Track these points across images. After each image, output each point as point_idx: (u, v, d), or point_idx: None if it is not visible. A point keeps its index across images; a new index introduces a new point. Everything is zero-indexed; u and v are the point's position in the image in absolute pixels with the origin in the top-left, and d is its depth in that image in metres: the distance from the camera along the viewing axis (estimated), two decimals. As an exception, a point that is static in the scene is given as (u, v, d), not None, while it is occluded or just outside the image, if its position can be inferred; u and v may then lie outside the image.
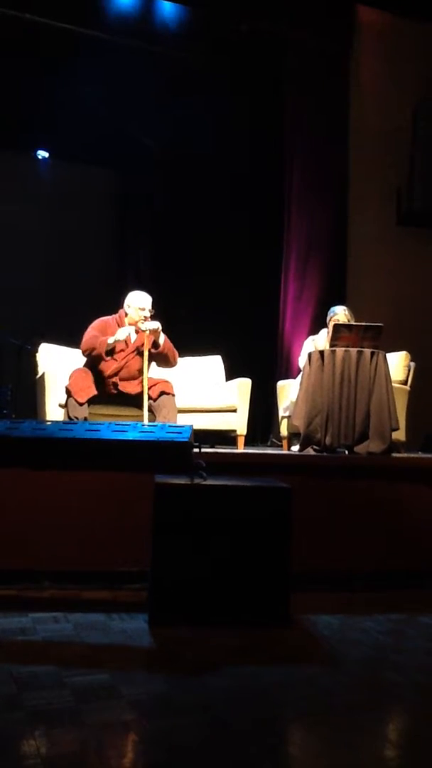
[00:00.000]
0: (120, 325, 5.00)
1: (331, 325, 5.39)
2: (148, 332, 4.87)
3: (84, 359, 4.98)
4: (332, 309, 5.62)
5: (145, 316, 4.94)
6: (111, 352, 4.83)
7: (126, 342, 4.90)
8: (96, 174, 8.27)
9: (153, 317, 4.95)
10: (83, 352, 4.91)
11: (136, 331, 4.94)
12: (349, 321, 5.38)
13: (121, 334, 4.85)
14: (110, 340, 4.82)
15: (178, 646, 2.83)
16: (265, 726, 2.11)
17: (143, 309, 4.97)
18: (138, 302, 5.01)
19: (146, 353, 4.87)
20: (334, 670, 2.64)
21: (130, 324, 4.98)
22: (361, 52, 7.51)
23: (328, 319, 5.57)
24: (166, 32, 6.88)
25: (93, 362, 4.87)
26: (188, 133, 7.30)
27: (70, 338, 5.01)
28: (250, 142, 7.39)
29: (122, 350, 4.92)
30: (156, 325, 4.90)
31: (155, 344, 4.93)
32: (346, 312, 5.52)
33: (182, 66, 7.02)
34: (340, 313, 5.49)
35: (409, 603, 3.75)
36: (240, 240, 7.35)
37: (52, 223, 7.96)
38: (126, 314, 5.04)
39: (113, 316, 5.09)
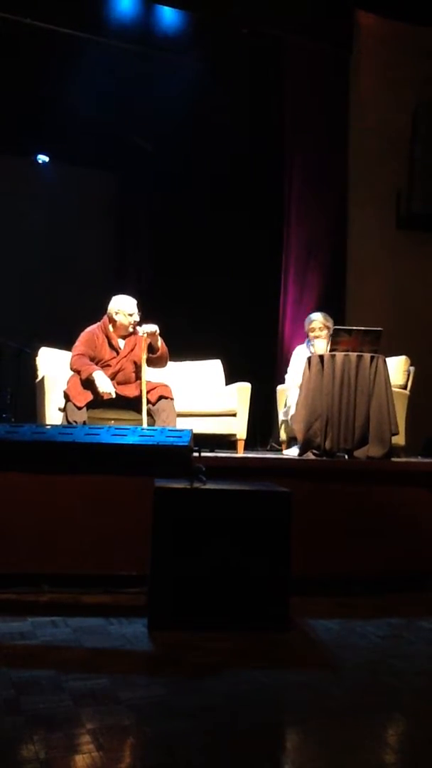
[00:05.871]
0: (106, 335, 4.93)
1: (310, 332, 5.56)
2: (146, 335, 4.86)
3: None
4: (309, 317, 5.69)
5: (134, 321, 4.92)
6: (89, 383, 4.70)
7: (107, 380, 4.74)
8: (95, 177, 8.28)
9: (152, 321, 4.94)
10: (71, 369, 4.84)
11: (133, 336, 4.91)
12: (326, 325, 5.48)
13: (104, 387, 4.66)
14: (94, 377, 4.66)
15: (178, 651, 2.83)
16: (264, 730, 2.11)
17: (131, 314, 4.93)
18: (126, 308, 4.95)
19: (144, 357, 4.87)
20: (333, 675, 2.64)
21: (119, 328, 4.93)
22: (361, 54, 7.52)
23: (306, 327, 5.65)
24: (167, 36, 6.88)
25: None
26: (188, 136, 7.32)
27: (70, 342, 4.99)
28: (250, 144, 7.40)
29: (116, 356, 4.91)
30: (154, 328, 4.87)
31: (152, 348, 4.91)
32: (323, 318, 5.58)
33: (183, 69, 7.02)
34: (316, 320, 5.57)
35: (408, 607, 3.75)
36: (240, 243, 7.34)
37: (51, 226, 7.97)
38: (114, 321, 4.95)
39: (98, 325, 5.00)
